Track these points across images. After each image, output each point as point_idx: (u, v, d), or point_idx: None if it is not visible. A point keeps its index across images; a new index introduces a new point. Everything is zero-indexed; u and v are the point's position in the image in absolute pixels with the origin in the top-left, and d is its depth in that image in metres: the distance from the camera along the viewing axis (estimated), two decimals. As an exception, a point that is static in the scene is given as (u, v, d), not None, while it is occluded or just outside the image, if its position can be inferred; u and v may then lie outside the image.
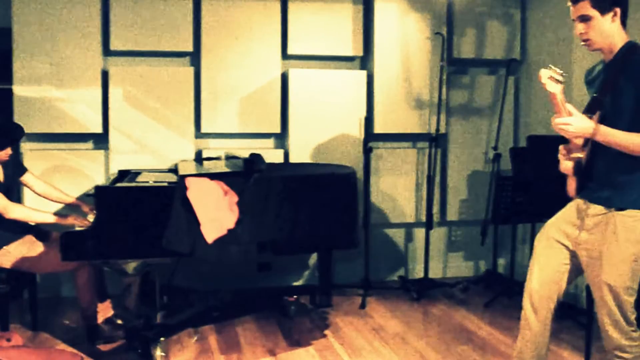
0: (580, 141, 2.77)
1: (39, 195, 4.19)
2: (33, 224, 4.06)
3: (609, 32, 2.70)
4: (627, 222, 2.69)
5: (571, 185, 2.91)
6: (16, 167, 4.10)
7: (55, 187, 4.26)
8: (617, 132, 2.63)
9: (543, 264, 2.94)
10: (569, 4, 2.77)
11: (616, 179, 2.72)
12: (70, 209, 4.31)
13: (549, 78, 2.61)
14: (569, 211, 2.94)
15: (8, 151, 3.91)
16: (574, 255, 2.88)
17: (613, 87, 2.70)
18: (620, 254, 2.70)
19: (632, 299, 2.74)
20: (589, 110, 2.73)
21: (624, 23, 2.74)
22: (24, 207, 3.98)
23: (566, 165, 2.85)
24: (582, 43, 2.77)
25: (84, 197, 4.81)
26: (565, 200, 2.99)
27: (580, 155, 2.78)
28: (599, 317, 2.81)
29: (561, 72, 2.62)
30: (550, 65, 2.66)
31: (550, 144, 3.06)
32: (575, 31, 2.77)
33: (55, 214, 3.93)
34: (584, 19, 2.70)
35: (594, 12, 2.67)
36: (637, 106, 2.63)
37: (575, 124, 2.64)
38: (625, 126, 2.64)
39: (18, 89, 4.82)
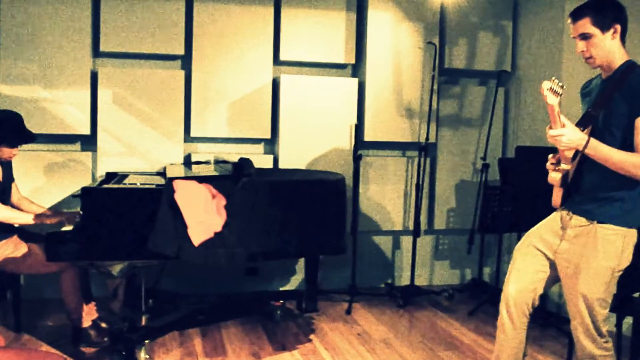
0: (570, 153, 2.80)
1: (13, 204, 4.17)
2: (17, 225, 4.04)
3: (609, 49, 2.73)
4: (608, 235, 2.72)
5: (557, 196, 2.94)
6: (10, 172, 4.10)
7: (30, 201, 4.26)
8: (607, 148, 2.66)
9: (521, 270, 2.98)
10: (569, 22, 2.79)
11: (601, 193, 2.76)
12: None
13: (549, 89, 2.63)
14: (551, 221, 2.98)
15: (15, 151, 3.93)
16: (552, 264, 2.92)
17: (607, 104, 2.73)
18: (598, 266, 2.73)
19: (605, 312, 2.78)
20: (581, 124, 2.76)
21: (623, 39, 2.77)
22: (9, 209, 3.95)
23: (555, 177, 2.88)
24: (585, 61, 2.80)
25: (71, 199, 4.83)
26: (551, 211, 3.03)
27: (568, 167, 2.81)
28: (573, 325, 2.84)
29: (561, 84, 2.64)
30: (553, 77, 2.68)
31: (537, 155, 3.08)
32: (576, 49, 2.79)
33: (37, 215, 3.91)
34: (585, 37, 2.73)
35: (594, 30, 2.70)
36: (629, 125, 2.66)
37: (568, 135, 2.66)
38: (615, 144, 2.68)
39: (4, 89, 4.79)
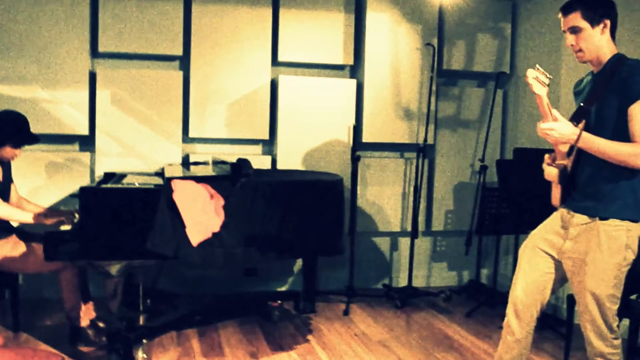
0: (565, 148, 2.81)
1: (12, 205, 4.18)
2: (16, 224, 4.06)
3: (599, 43, 2.76)
4: (611, 231, 2.73)
5: (555, 194, 2.94)
6: (10, 173, 4.12)
7: (28, 201, 4.27)
8: (600, 140, 2.67)
9: (528, 272, 2.97)
10: (560, 15, 2.82)
11: (600, 188, 2.76)
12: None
13: (534, 78, 2.64)
14: (553, 221, 2.98)
15: (18, 152, 3.95)
16: (558, 265, 2.92)
17: (599, 98, 2.74)
18: (604, 263, 2.73)
19: (615, 307, 2.79)
20: (574, 119, 2.77)
21: (613, 35, 2.79)
22: (9, 206, 3.97)
23: (550, 172, 2.88)
24: (574, 54, 2.82)
25: (69, 199, 4.83)
26: (549, 212, 3.03)
27: (564, 162, 2.81)
28: (582, 324, 2.84)
29: (547, 73, 2.65)
30: (537, 65, 2.69)
31: (536, 157, 3.09)
32: (566, 42, 2.82)
33: (37, 215, 3.92)
34: (575, 30, 2.76)
35: (584, 24, 2.73)
36: (620, 117, 2.68)
37: (559, 129, 2.67)
38: (608, 136, 2.69)
39: (3, 89, 4.80)
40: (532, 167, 3.22)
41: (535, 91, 2.65)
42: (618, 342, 2.82)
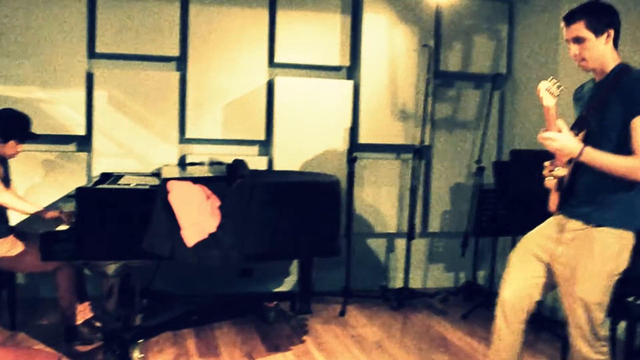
0: (565, 157, 2.80)
1: None
2: (16, 218, 4.08)
3: (602, 52, 2.73)
4: (604, 238, 2.72)
5: (553, 200, 2.94)
6: (8, 171, 4.13)
7: (25, 200, 4.29)
8: (602, 155, 2.65)
9: (517, 275, 2.97)
10: (562, 25, 2.78)
11: (597, 196, 2.75)
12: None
13: (546, 90, 2.64)
14: (548, 225, 2.98)
15: (19, 148, 4.01)
16: (549, 269, 2.91)
17: (601, 107, 2.72)
18: (595, 270, 2.72)
19: (602, 315, 2.77)
20: (575, 128, 2.77)
21: (615, 44, 2.77)
22: (12, 195, 4.00)
23: (550, 182, 2.89)
24: (578, 63, 2.80)
25: (66, 199, 4.83)
26: (546, 214, 3.03)
27: (564, 172, 2.81)
28: (570, 329, 2.83)
29: (559, 85, 2.65)
30: (551, 77, 2.68)
31: (532, 158, 3.09)
32: (569, 52, 2.79)
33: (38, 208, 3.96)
34: (578, 40, 2.73)
35: (588, 34, 2.70)
36: (624, 128, 2.65)
37: (561, 140, 2.66)
38: (611, 146, 2.67)
39: (0, 89, 4.80)
40: (529, 169, 3.23)
41: (545, 103, 2.64)
42: (605, 349, 2.80)
